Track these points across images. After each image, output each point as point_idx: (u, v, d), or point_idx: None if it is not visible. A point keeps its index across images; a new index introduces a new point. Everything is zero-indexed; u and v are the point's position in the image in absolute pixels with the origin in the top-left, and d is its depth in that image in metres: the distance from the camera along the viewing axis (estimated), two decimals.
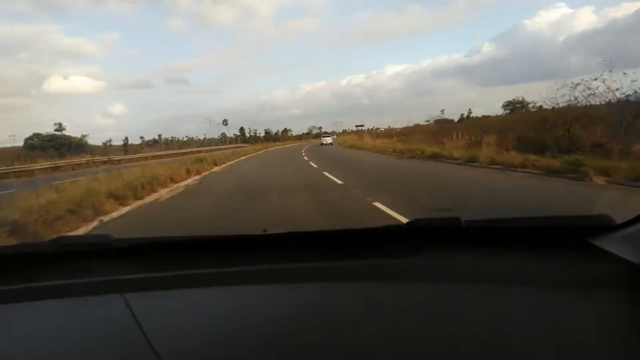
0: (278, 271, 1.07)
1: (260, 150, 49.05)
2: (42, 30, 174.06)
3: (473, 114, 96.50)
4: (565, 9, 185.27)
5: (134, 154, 47.42)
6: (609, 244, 0.92)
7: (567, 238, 1.01)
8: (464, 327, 0.79)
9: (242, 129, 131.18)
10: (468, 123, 35.78)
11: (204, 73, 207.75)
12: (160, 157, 39.25)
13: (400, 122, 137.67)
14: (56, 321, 0.97)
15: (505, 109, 60.22)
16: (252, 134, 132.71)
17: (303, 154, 30.27)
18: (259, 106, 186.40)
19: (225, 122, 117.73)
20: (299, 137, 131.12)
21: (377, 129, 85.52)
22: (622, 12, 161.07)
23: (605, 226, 0.96)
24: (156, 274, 1.11)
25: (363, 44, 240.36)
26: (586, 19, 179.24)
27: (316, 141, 74.71)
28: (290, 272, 1.07)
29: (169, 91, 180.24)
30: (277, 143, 76.25)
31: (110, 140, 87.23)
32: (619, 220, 0.97)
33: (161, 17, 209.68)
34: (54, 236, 1.73)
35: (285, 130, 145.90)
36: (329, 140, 56.71)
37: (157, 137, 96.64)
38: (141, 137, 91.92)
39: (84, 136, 59.24)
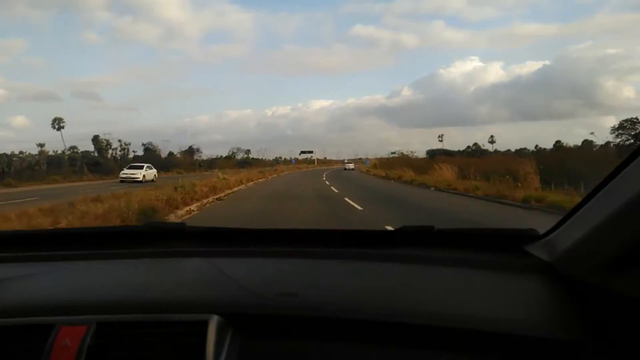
0: (298, 252, 1.48)
1: None
2: None
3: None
4: (477, 62, 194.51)
5: None
6: (533, 248, 1.39)
7: (508, 243, 1.48)
8: (423, 287, 1.21)
9: (96, 140, 65.74)
10: None
11: (119, 90, 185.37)
12: None
13: (330, 154, 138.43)
14: (147, 272, 1.36)
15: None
16: (120, 152, 67.63)
17: None
18: (179, 129, 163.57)
19: (57, 124, 60.14)
20: (210, 164, 68.17)
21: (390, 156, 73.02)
22: (526, 69, 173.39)
23: (532, 236, 1.43)
24: (215, 248, 1.51)
25: (289, 76, 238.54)
26: (495, 73, 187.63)
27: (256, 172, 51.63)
28: (302, 253, 1.47)
29: (79, 106, 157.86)
30: None
31: None
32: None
33: (74, 29, 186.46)
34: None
35: (192, 151, 79.11)
36: (351, 166, 66.40)
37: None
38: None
39: None
